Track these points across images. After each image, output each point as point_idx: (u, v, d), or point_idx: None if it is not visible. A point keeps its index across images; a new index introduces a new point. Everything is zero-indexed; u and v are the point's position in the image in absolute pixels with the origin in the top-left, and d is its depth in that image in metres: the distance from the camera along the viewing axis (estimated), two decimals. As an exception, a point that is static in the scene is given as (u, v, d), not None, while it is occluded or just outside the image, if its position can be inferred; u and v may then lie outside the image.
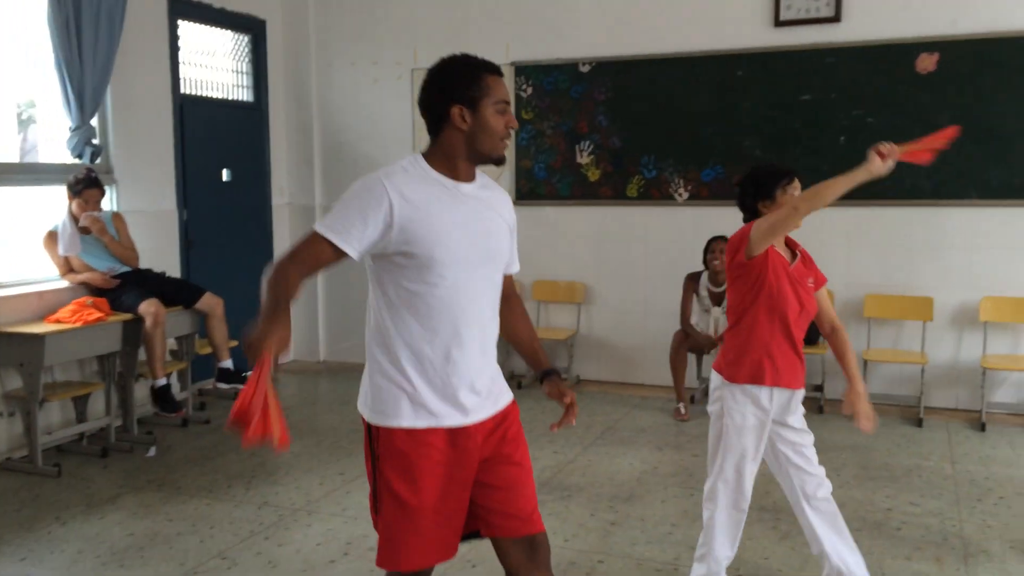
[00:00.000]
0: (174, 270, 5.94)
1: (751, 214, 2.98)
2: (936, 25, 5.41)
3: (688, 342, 5.64)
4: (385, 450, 2.16)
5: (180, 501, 4.17)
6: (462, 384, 2.15)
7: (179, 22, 6.11)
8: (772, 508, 4.01)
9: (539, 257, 6.57)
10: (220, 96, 6.64)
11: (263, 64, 6.95)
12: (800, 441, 2.96)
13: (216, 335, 5.40)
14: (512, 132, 2.21)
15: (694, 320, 5.68)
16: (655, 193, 6.21)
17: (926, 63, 5.47)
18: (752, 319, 2.90)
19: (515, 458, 2.29)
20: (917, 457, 4.74)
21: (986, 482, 4.34)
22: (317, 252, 2.08)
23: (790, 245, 3.01)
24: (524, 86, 6.47)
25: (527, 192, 6.56)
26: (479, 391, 2.19)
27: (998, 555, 3.49)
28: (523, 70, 6.46)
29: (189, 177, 6.22)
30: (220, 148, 6.60)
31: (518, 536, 2.23)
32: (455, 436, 2.15)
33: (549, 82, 6.40)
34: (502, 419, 2.26)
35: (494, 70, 2.18)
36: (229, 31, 6.71)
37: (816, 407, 5.69)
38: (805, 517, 2.97)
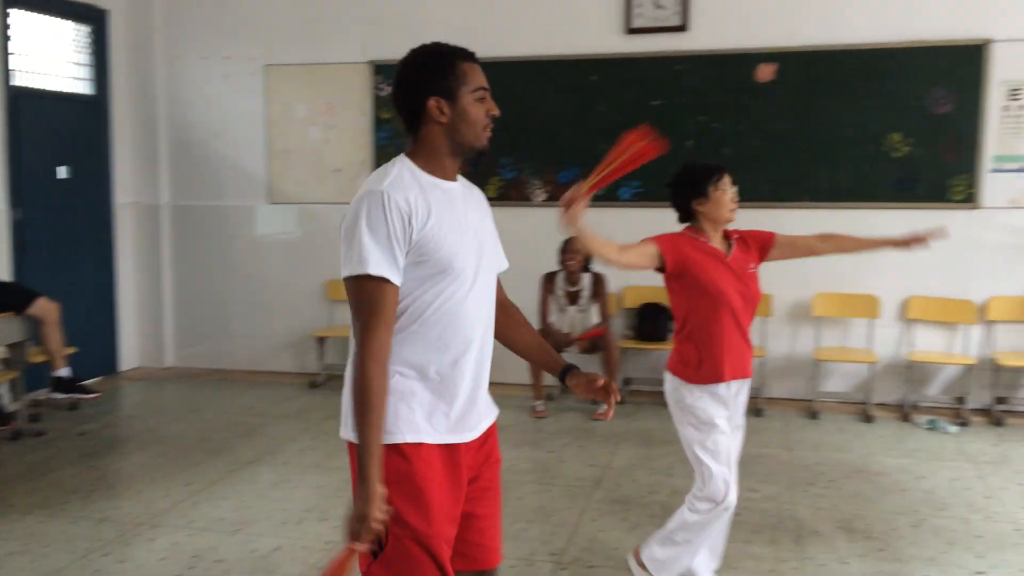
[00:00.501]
0: (4, 273, 5.57)
1: (685, 213, 3.04)
2: (774, 37, 5.72)
3: (547, 341, 5.73)
4: (387, 473, 1.88)
5: (11, 520, 3.91)
6: (467, 396, 2.01)
7: (10, 11, 5.75)
8: (622, 500, 4.14)
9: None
10: (57, 89, 6.27)
11: (104, 56, 6.60)
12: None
13: (51, 342, 5.10)
14: (493, 120, 2.07)
15: (552, 319, 5.79)
16: (514, 194, 6.28)
17: (765, 72, 5.77)
18: (699, 320, 2.95)
19: (495, 483, 2.16)
20: (758, 445, 4.99)
21: (818, 467, 4.62)
22: (385, 299, 1.87)
23: (728, 236, 3.06)
24: (382, 85, 6.42)
25: (385, 192, 6.50)
26: (480, 403, 2.06)
27: (827, 535, 3.73)
28: (381, 69, 6.41)
29: (24, 175, 5.85)
30: (57, 144, 6.23)
31: (487, 568, 2.11)
32: (454, 453, 1.98)
33: (407, 82, 6.37)
34: (488, 435, 2.13)
35: (468, 56, 2.05)
36: (68, 21, 6.34)
37: (663, 400, 5.89)
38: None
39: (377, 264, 1.84)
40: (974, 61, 5.43)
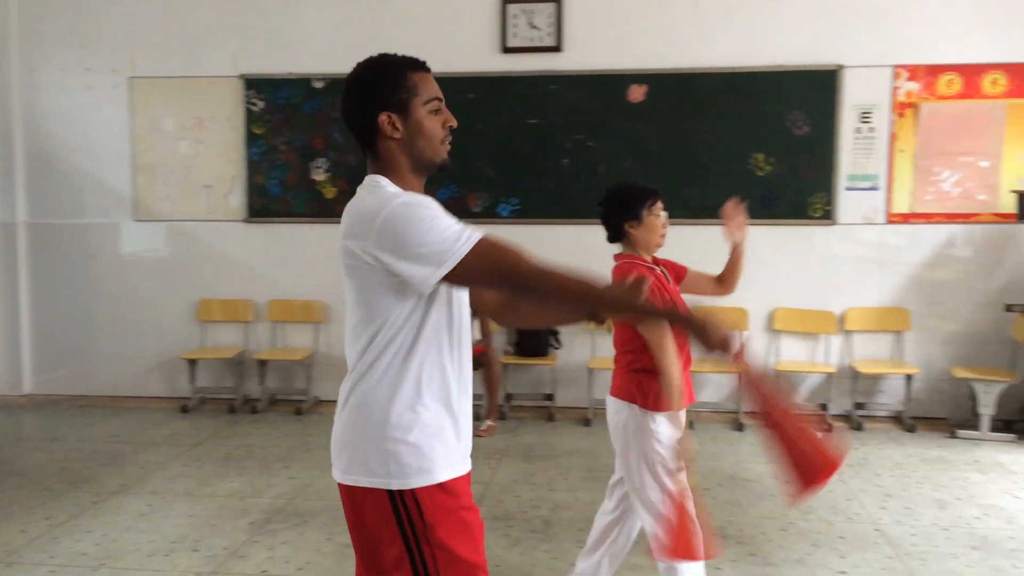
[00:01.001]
0: None
1: (616, 233, 2.98)
2: (645, 59, 5.90)
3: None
4: (434, 514, 1.81)
5: None
6: (468, 418, 1.95)
7: None
8: (504, 516, 4.15)
9: (274, 276, 6.39)
10: None
11: (-49, 64, 6.20)
12: None
13: None
14: (451, 131, 1.97)
15: (432, 336, 5.75)
16: (392, 211, 6.23)
17: (636, 93, 5.95)
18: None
19: None
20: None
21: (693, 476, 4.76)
22: (499, 241, 1.79)
23: (656, 261, 3.03)
24: (254, 100, 6.26)
25: (260, 209, 6.34)
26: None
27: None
28: (253, 83, 6.26)
29: None
30: None
31: None
32: (468, 481, 1.94)
33: (281, 97, 6.25)
34: None
35: (419, 66, 1.95)
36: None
37: (547, 415, 5.97)
38: (608, 528, 3.04)
39: (466, 230, 1.75)
40: (828, 86, 5.75)
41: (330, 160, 6.25)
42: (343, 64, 6.75)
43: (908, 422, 5.64)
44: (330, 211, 6.28)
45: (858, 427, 5.66)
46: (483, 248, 1.74)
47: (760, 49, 5.83)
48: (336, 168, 6.25)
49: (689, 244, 6.02)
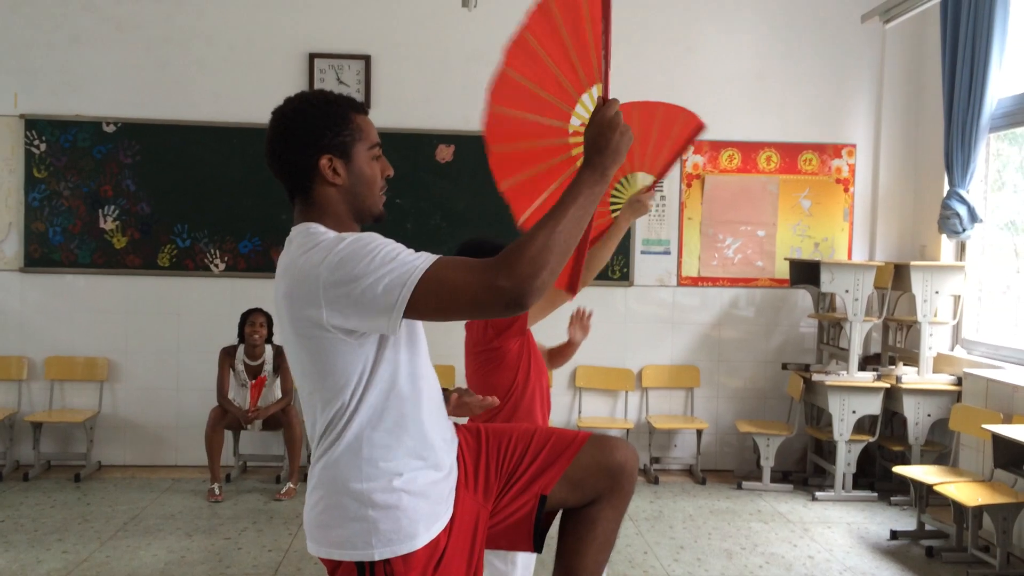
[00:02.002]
0: None
1: None
2: (452, 121, 6.00)
3: (226, 418, 5.43)
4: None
5: None
6: (445, 449, 1.83)
7: None
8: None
9: (54, 331, 5.89)
10: None
11: None
12: None
13: None
14: (387, 181, 1.84)
15: (231, 395, 5.49)
16: (189, 264, 5.94)
17: (444, 153, 6.04)
18: (530, 390, 2.86)
19: (491, 436, 2.04)
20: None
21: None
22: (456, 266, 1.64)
23: None
24: (36, 142, 5.82)
25: (40, 258, 5.86)
26: (443, 432, 1.88)
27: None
28: (35, 124, 5.82)
29: None
30: None
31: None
32: (461, 500, 1.85)
33: (67, 139, 5.84)
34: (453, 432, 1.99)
35: (361, 108, 1.81)
36: None
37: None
38: None
39: (422, 254, 1.61)
40: (626, 154, 6.09)
41: (120, 208, 5.89)
42: (137, 108, 6.45)
43: (699, 475, 5.95)
44: (120, 262, 5.90)
45: (655, 480, 5.90)
46: (426, 283, 1.58)
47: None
48: (127, 216, 5.89)
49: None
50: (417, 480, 1.73)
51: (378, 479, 1.69)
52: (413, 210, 6.00)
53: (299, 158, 1.75)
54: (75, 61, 5.83)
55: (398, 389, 1.73)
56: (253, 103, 5.92)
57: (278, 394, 5.55)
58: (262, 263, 5.94)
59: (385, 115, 5.98)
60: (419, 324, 1.81)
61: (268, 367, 5.53)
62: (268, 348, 5.54)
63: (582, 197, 1.66)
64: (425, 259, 1.59)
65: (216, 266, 5.95)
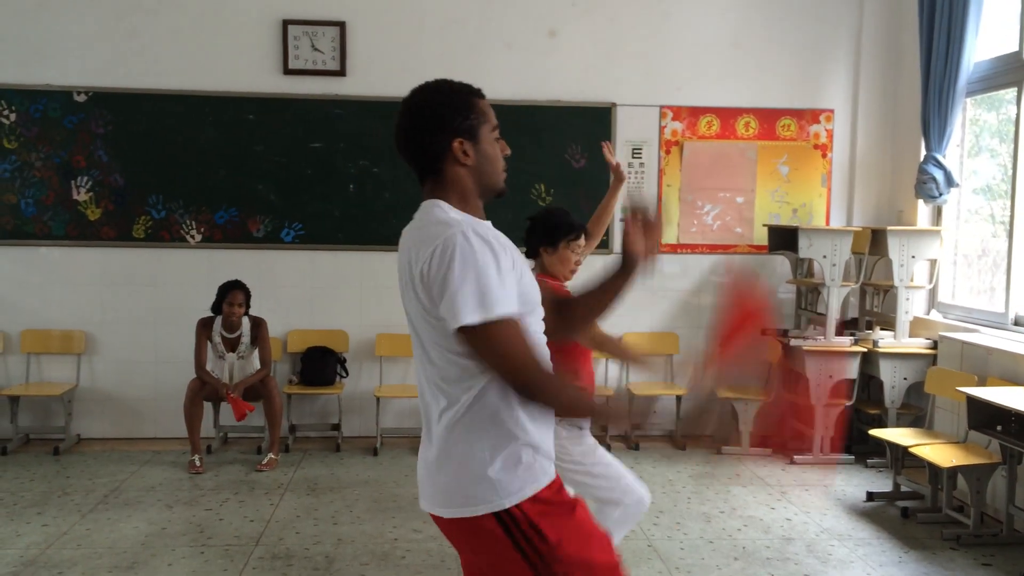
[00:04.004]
0: None
1: (533, 254, 3.08)
2: (430, 87, 5.93)
3: (204, 390, 5.41)
4: (552, 523, 1.81)
5: None
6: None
7: None
8: (284, 555, 3.98)
9: (29, 303, 5.84)
10: None
11: None
12: None
13: None
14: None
15: (209, 367, 5.46)
16: (165, 235, 5.88)
17: (422, 121, 5.97)
18: (564, 359, 3.00)
19: None
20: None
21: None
22: (522, 335, 1.79)
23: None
24: (6, 112, 5.72)
25: (13, 230, 5.78)
26: None
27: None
28: (4, 94, 5.71)
29: None
30: None
31: None
32: None
33: (37, 109, 5.74)
34: None
35: (481, 94, 1.95)
36: None
37: (333, 446, 5.82)
38: None
39: (504, 302, 1.73)
40: (603, 122, 6.05)
41: (94, 179, 5.81)
42: (108, 77, 6.36)
43: (679, 440, 6.00)
44: (95, 234, 5.83)
45: (635, 447, 5.94)
46: (503, 329, 1.74)
47: (540, 85, 6.04)
48: (100, 188, 5.81)
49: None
50: (524, 435, 1.85)
51: (494, 436, 1.83)
52: (390, 179, 5.95)
53: (433, 142, 1.88)
54: (43, 29, 5.71)
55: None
56: (226, 71, 5.84)
57: (256, 365, 5.52)
58: (239, 234, 5.89)
59: (361, 83, 5.92)
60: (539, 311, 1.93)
61: (246, 339, 5.50)
62: (245, 320, 5.50)
63: (573, 407, 2.04)
64: (490, 310, 1.74)
65: (192, 237, 5.90)
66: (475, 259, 1.73)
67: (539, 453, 1.85)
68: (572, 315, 2.17)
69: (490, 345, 1.74)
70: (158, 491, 4.89)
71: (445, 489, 1.83)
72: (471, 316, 1.70)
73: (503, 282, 1.74)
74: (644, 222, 2.09)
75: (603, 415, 2.07)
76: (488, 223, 1.89)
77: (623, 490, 3.04)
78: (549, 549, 1.79)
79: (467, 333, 1.73)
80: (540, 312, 1.92)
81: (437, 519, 1.89)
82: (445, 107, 1.89)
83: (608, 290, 2.13)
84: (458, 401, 1.81)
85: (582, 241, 3.15)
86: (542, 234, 3.12)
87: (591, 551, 1.87)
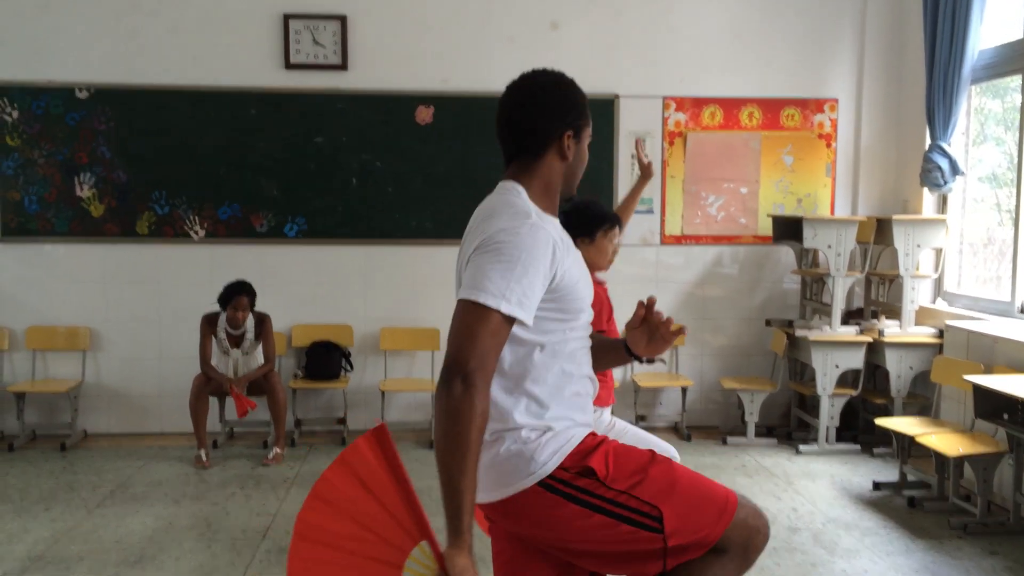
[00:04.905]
0: None
1: None
2: (431, 81, 5.93)
3: (210, 385, 5.41)
4: (601, 465, 1.81)
5: None
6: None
7: None
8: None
9: (33, 300, 5.85)
10: None
11: None
12: None
13: None
14: None
15: (214, 362, 5.47)
16: (168, 231, 5.88)
17: (424, 115, 5.97)
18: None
19: None
20: (429, 478, 5.03)
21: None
22: (497, 336, 1.72)
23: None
24: (8, 109, 5.72)
25: (16, 228, 5.78)
26: None
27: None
28: (6, 91, 5.71)
29: None
30: None
31: None
32: None
33: (39, 106, 5.74)
34: None
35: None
36: None
37: (339, 440, 5.83)
38: None
39: (507, 296, 1.71)
40: (606, 113, 6.03)
41: (96, 175, 5.81)
42: (110, 73, 6.35)
43: (685, 431, 5.99)
44: (98, 230, 5.83)
45: (639, 438, 5.92)
46: (480, 320, 1.70)
47: (543, 76, 6.01)
48: (103, 184, 5.81)
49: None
50: (559, 413, 1.88)
51: (533, 411, 1.86)
52: (392, 173, 5.95)
53: (547, 127, 1.86)
54: (44, 26, 5.71)
55: (542, 353, 1.90)
56: (227, 66, 5.83)
57: (261, 360, 5.52)
58: (242, 229, 5.89)
59: (363, 77, 5.91)
60: (586, 305, 1.94)
61: (250, 335, 5.50)
62: (250, 316, 5.50)
63: (453, 488, 1.70)
64: (486, 300, 1.71)
65: (196, 233, 5.90)
66: (523, 255, 1.72)
67: (576, 423, 1.88)
68: None
69: (465, 320, 1.72)
70: (164, 486, 4.90)
71: (487, 473, 1.81)
72: (475, 295, 1.71)
73: (531, 281, 1.73)
74: (652, 328, 2.04)
75: (456, 517, 1.68)
76: (556, 221, 1.88)
77: (652, 445, 3.03)
78: (602, 483, 1.80)
79: (459, 304, 1.74)
80: (587, 316, 1.93)
81: (479, 507, 1.88)
82: (568, 98, 1.89)
83: (599, 360, 2.10)
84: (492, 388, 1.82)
85: (617, 230, 3.16)
86: (578, 226, 3.08)
87: (638, 464, 1.86)
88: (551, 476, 1.80)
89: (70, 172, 5.80)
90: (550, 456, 1.81)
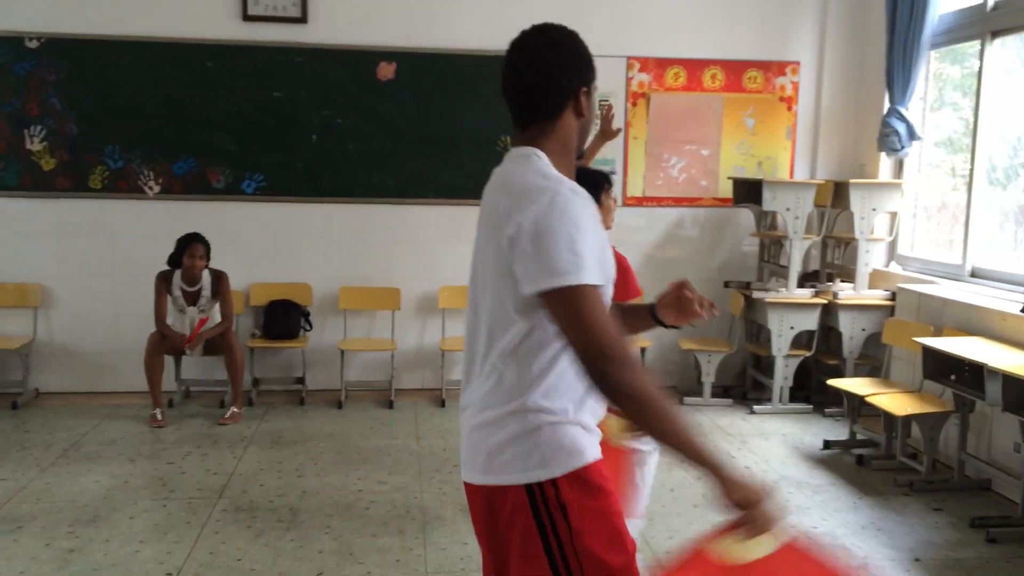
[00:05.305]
0: None
1: None
2: (393, 37, 5.83)
3: (165, 344, 5.34)
4: (580, 512, 1.64)
5: None
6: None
7: None
8: (248, 508, 3.98)
9: (-18, 257, 5.71)
10: None
11: None
12: None
13: None
14: None
15: (170, 320, 5.40)
16: (123, 186, 5.76)
17: (386, 71, 5.88)
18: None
19: None
20: (388, 437, 5.09)
21: (444, 453, 4.82)
22: (600, 304, 1.59)
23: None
24: (-47, 58, 5.53)
25: (-37, 181, 5.63)
26: None
27: (450, 518, 3.89)
28: (-49, 38, 5.52)
29: None
30: None
31: None
32: None
33: (-14, 55, 5.56)
34: None
35: None
36: None
37: (297, 399, 5.81)
38: None
39: (591, 269, 1.58)
40: (570, 72, 5.98)
41: (47, 128, 5.65)
42: (61, 22, 6.16)
43: (642, 391, 6.04)
44: (49, 184, 5.69)
45: (598, 398, 5.98)
46: (578, 302, 1.56)
47: (506, 34, 5.87)
48: (55, 137, 5.66)
49: (441, 225, 6.08)
50: (571, 412, 1.73)
51: (542, 404, 1.72)
52: (353, 130, 5.87)
53: (567, 84, 1.75)
54: (-11, -29, 5.51)
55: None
56: (183, 17, 5.68)
57: (218, 319, 5.46)
58: (198, 185, 5.78)
59: (323, 31, 5.79)
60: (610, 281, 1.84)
61: (207, 292, 5.43)
62: (206, 273, 5.42)
63: (682, 443, 1.58)
64: (585, 279, 1.59)
65: (151, 188, 5.78)
66: (575, 222, 1.60)
67: (587, 431, 1.72)
68: None
69: (566, 311, 1.58)
70: (119, 445, 4.85)
71: (488, 454, 1.70)
72: (561, 279, 1.57)
73: (593, 250, 1.62)
74: (683, 302, 1.96)
75: (712, 467, 1.57)
76: (576, 183, 1.73)
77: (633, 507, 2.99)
78: (569, 536, 1.65)
79: (550, 296, 1.58)
80: (609, 291, 1.76)
81: (468, 486, 1.77)
82: (581, 54, 1.79)
83: (627, 325, 2.01)
84: (507, 368, 1.70)
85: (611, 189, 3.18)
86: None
87: (610, 552, 1.67)
88: (541, 485, 1.66)
89: (19, 124, 5.63)
90: (549, 460, 1.67)
